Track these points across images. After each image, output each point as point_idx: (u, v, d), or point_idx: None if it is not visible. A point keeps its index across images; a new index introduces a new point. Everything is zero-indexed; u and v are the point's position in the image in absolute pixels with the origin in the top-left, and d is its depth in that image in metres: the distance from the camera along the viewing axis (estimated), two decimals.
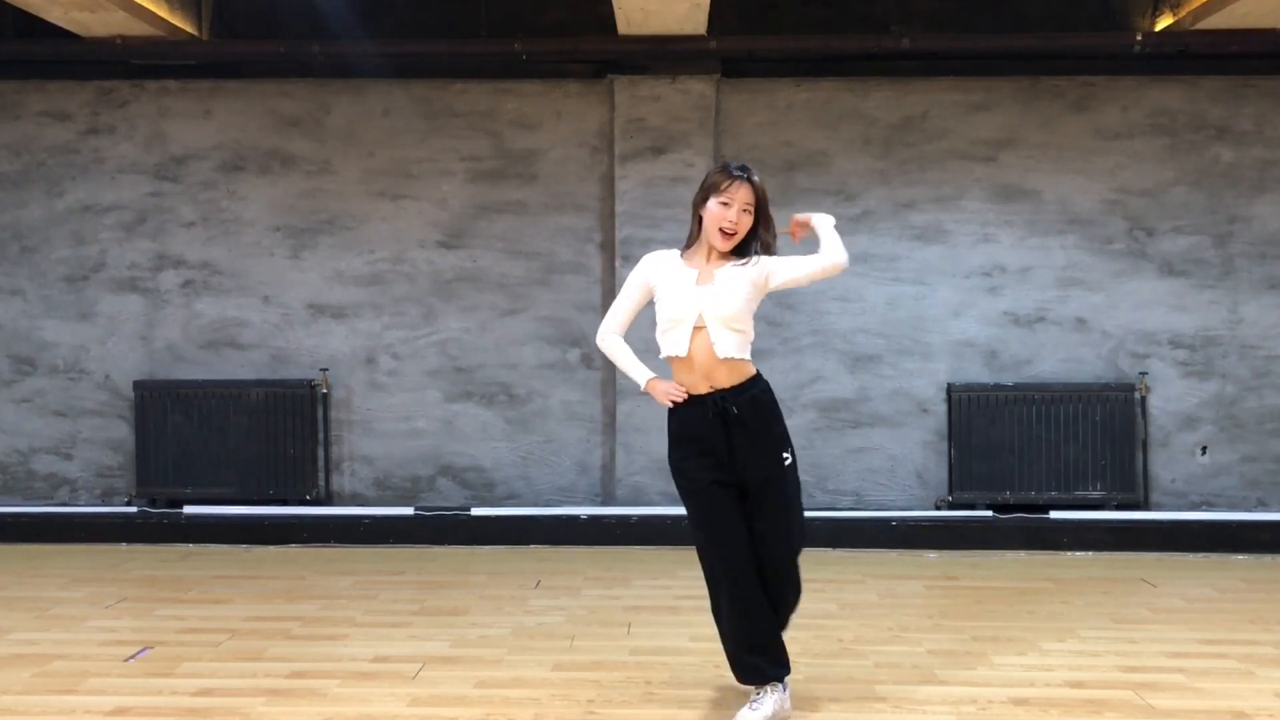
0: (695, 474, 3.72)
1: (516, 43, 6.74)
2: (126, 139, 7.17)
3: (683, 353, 3.68)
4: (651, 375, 3.82)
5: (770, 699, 3.74)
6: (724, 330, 3.66)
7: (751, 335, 3.75)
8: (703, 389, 3.69)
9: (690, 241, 3.83)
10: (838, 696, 4.04)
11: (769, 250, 3.78)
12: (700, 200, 3.75)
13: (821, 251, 3.80)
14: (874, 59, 6.93)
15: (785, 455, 3.76)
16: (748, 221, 3.71)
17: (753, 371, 3.75)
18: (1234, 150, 6.93)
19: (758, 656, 3.75)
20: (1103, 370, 6.95)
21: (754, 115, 7.01)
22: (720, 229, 3.68)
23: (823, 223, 3.91)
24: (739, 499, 3.73)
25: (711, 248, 3.75)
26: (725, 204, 3.67)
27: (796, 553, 3.84)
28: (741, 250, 3.76)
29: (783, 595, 3.83)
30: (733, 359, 3.68)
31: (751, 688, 3.79)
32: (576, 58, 6.97)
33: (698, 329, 3.67)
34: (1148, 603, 5.42)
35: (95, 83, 7.15)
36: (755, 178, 3.72)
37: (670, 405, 3.74)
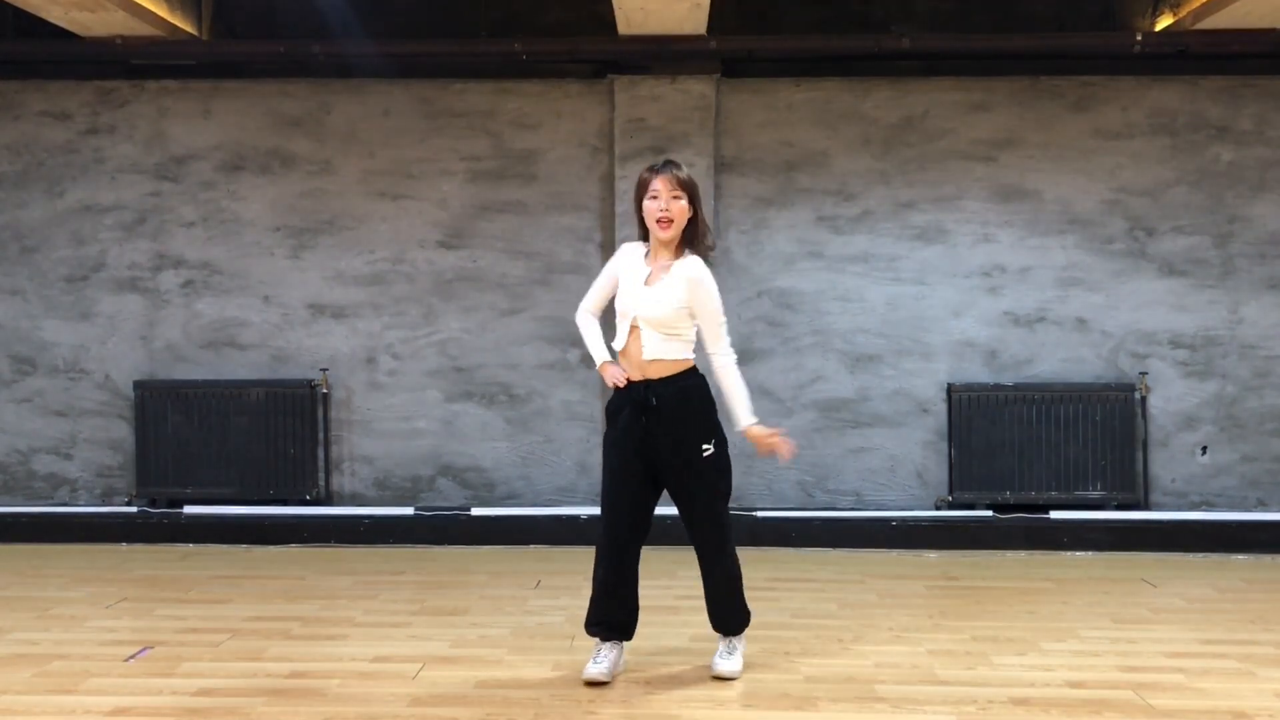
0: (616, 452, 4.09)
1: (516, 43, 6.74)
2: (126, 139, 7.17)
3: (620, 346, 4.09)
4: (607, 358, 4.23)
5: (614, 653, 4.19)
6: (653, 333, 4.00)
7: (690, 338, 4.07)
8: (636, 377, 4.06)
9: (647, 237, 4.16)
10: (838, 696, 4.05)
11: (703, 248, 4.08)
12: (637, 206, 4.08)
13: (722, 372, 4.11)
14: (874, 59, 6.93)
15: (705, 447, 4.06)
16: (681, 207, 3.99)
17: (688, 367, 4.07)
18: (1234, 150, 6.92)
19: (615, 615, 4.19)
20: (1103, 370, 6.95)
21: (754, 115, 7.01)
22: (656, 220, 3.99)
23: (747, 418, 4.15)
24: (649, 484, 4.11)
25: (659, 246, 4.07)
26: (654, 197, 3.99)
27: (726, 535, 4.17)
28: (691, 241, 4.06)
29: (719, 587, 4.23)
30: (660, 360, 4.02)
31: (597, 640, 4.22)
32: (576, 58, 6.97)
33: (634, 327, 4.03)
34: (1148, 603, 5.42)
35: (95, 83, 7.15)
36: (676, 171, 4.00)
37: (614, 387, 4.10)
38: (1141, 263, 6.95)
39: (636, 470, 4.08)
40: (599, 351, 4.27)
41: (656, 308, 4.00)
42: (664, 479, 4.13)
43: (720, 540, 4.17)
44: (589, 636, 4.26)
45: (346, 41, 6.79)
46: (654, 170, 4.02)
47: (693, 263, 4.04)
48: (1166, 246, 6.94)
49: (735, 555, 4.24)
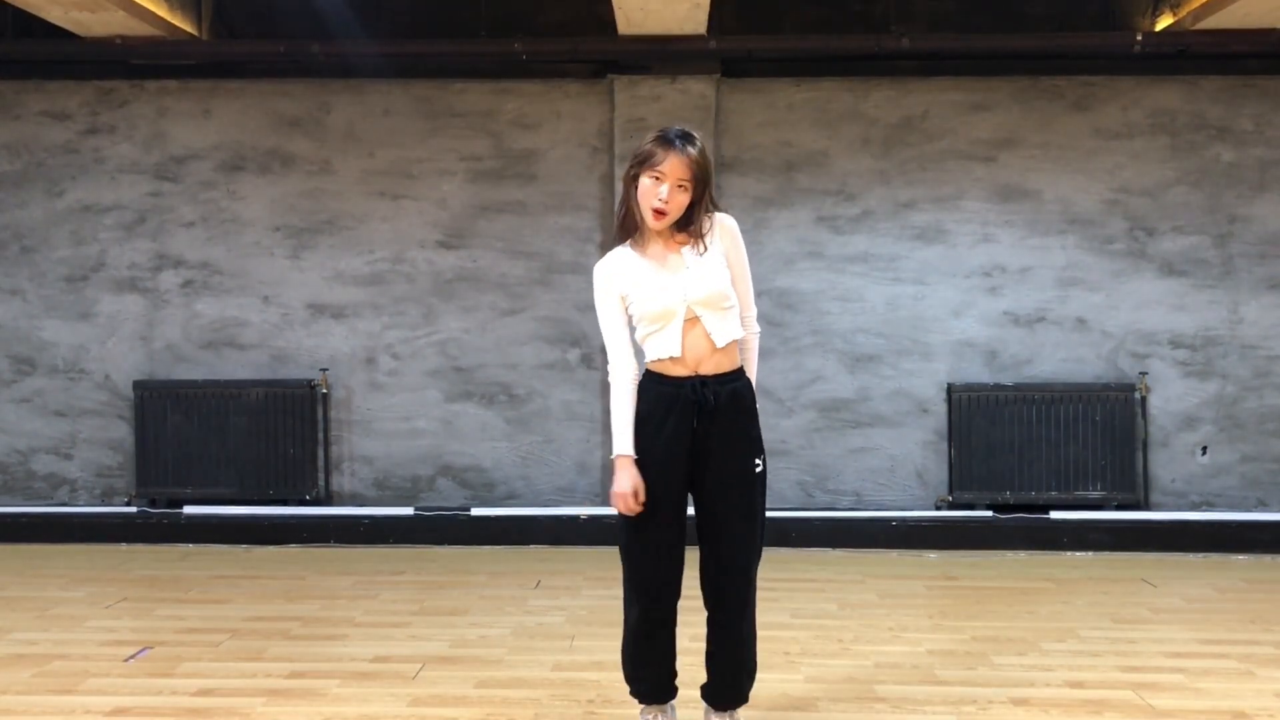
0: (657, 472, 3.31)
1: (516, 43, 6.74)
2: (126, 139, 7.17)
3: (677, 353, 3.31)
4: (628, 454, 3.33)
5: (673, 714, 3.57)
6: (717, 315, 3.32)
7: (737, 306, 3.41)
8: (684, 374, 3.33)
9: (624, 229, 3.41)
10: (838, 696, 4.04)
11: (699, 231, 3.36)
12: (632, 176, 3.32)
13: (753, 344, 3.51)
14: (874, 59, 6.93)
15: (757, 461, 3.39)
16: (682, 200, 3.28)
17: (740, 362, 3.43)
18: (1234, 150, 6.93)
19: (669, 667, 3.53)
20: (1103, 370, 6.95)
21: (754, 115, 7.01)
22: (653, 208, 3.27)
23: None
24: (685, 510, 3.40)
25: (659, 236, 3.36)
26: (657, 179, 3.25)
27: (752, 575, 3.44)
28: (685, 224, 3.36)
29: (735, 649, 3.46)
30: (731, 343, 3.36)
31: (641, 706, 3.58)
32: (576, 58, 6.97)
33: (688, 321, 3.31)
34: (1148, 603, 5.42)
35: (95, 83, 7.15)
36: (694, 149, 3.28)
37: (619, 505, 3.31)
38: (1141, 263, 6.95)
39: (679, 492, 3.37)
40: (624, 438, 3.35)
41: (708, 281, 3.31)
42: (702, 499, 3.40)
43: (748, 587, 3.42)
44: (633, 699, 3.59)
45: (346, 41, 6.79)
46: (667, 143, 3.26)
47: (722, 217, 3.41)
48: (1166, 246, 6.95)
49: (755, 607, 3.50)
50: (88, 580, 5.85)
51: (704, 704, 3.57)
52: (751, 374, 3.48)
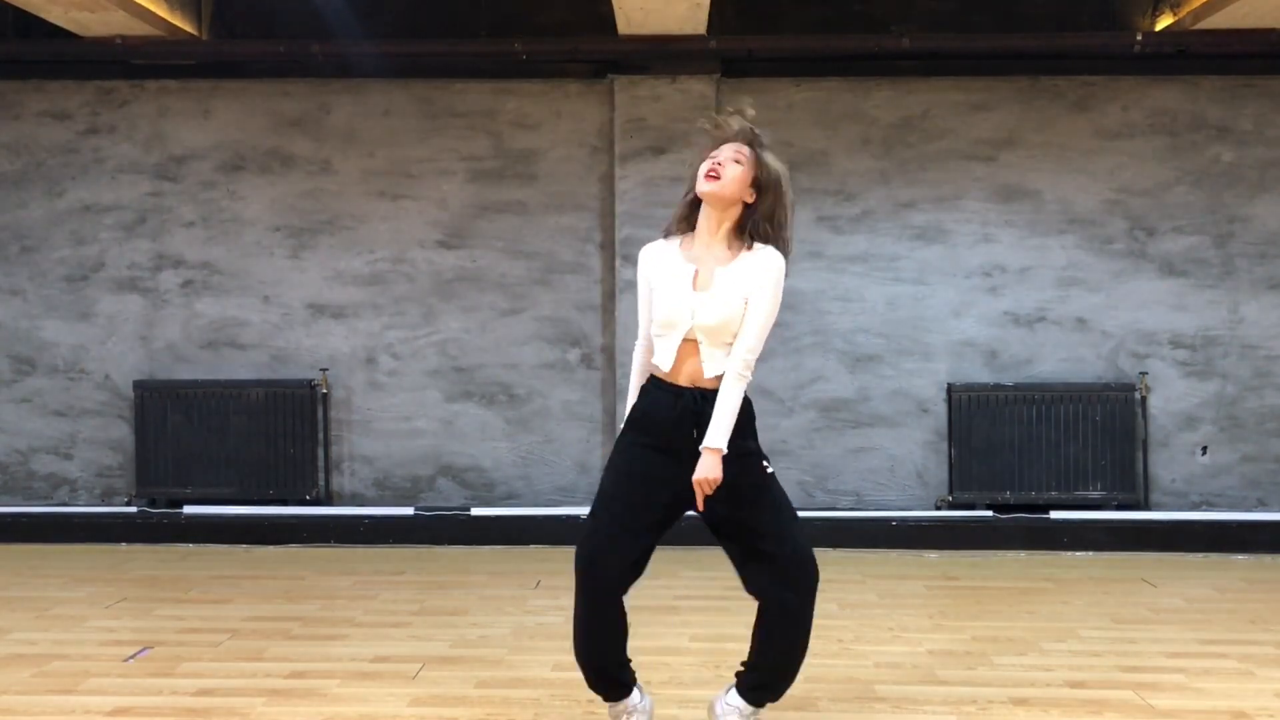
0: (644, 459, 3.32)
1: (516, 43, 6.75)
2: (126, 139, 7.17)
3: (666, 367, 3.32)
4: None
5: (645, 702, 3.51)
6: (715, 348, 3.29)
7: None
8: (682, 382, 3.33)
9: (680, 224, 3.42)
10: (838, 696, 4.05)
11: (777, 240, 3.32)
12: (693, 174, 3.36)
13: (732, 384, 3.29)
14: (874, 59, 6.93)
15: (765, 464, 3.40)
16: (738, 172, 3.27)
17: None
18: (1234, 150, 6.93)
19: (623, 656, 3.44)
20: (1103, 370, 6.95)
21: (754, 115, 7.00)
22: (705, 172, 3.27)
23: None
24: (668, 510, 3.34)
25: (710, 229, 3.33)
26: (712, 156, 3.31)
27: (811, 560, 3.41)
28: (742, 230, 3.33)
29: (794, 640, 3.42)
30: (720, 374, 3.30)
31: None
32: (576, 58, 6.98)
33: (688, 341, 3.29)
34: (1148, 603, 5.42)
35: (95, 83, 7.15)
36: (753, 140, 3.32)
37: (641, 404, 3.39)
38: (1141, 263, 6.95)
39: (660, 491, 3.31)
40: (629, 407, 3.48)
41: (718, 312, 3.26)
42: (725, 514, 3.35)
43: (812, 573, 3.40)
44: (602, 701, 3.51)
45: (346, 41, 6.79)
46: (728, 136, 3.36)
47: (769, 253, 3.31)
48: (1166, 246, 6.95)
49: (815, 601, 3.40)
50: (88, 580, 5.85)
51: (739, 698, 3.48)
52: (721, 420, 3.24)
